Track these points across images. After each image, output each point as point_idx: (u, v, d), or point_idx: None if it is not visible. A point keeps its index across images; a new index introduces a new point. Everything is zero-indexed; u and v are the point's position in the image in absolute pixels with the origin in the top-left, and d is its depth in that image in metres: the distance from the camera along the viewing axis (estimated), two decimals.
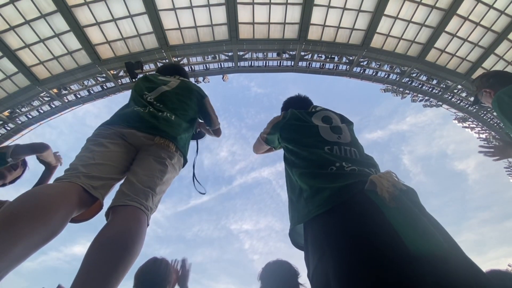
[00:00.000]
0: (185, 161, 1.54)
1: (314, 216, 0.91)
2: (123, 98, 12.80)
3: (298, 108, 1.54)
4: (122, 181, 1.24)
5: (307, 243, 0.94)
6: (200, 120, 1.89)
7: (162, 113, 1.46)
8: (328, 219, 0.87)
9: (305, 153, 1.17)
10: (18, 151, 1.71)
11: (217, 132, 1.97)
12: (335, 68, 12.85)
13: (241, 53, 11.94)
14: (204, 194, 1.83)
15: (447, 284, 0.62)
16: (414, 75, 13.02)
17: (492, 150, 1.80)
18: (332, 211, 0.87)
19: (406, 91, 13.77)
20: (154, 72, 1.98)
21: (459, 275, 0.65)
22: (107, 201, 1.15)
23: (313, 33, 11.26)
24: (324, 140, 1.21)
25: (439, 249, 0.70)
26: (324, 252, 0.81)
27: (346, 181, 0.92)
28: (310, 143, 1.21)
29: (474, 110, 13.68)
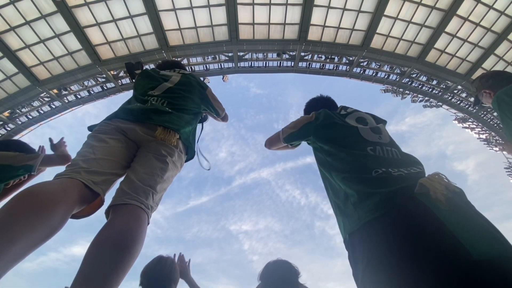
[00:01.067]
0: (193, 154, 1.54)
1: (365, 222, 0.87)
2: (123, 98, 12.80)
3: (327, 108, 1.49)
4: (122, 178, 1.23)
5: (354, 250, 0.91)
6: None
7: (164, 107, 1.46)
8: (381, 225, 0.83)
9: (343, 154, 1.12)
10: (46, 162, 1.72)
11: (224, 119, 2.01)
12: (335, 68, 12.86)
13: (241, 53, 11.94)
14: (208, 170, 1.85)
15: None
16: (414, 75, 13.03)
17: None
18: (385, 216, 0.83)
19: (406, 91, 13.78)
20: (154, 68, 1.99)
21: None
22: (108, 199, 1.15)
23: (313, 34, 11.27)
24: (365, 141, 1.17)
25: (503, 251, 0.66)
26: (372, 258, 0.78)
27: (396, 185, 0.89)
28: (350, 144, 1.16)
29: (474, 110, 13.70)
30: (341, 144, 1.19)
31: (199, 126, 1.90)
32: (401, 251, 0.73)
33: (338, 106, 1.61)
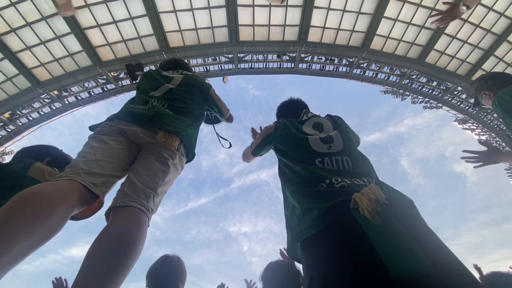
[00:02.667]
0: (193, 155, 1.54)
1: (305, 238, 0.91)
2: (123, 100, 12.81)
3: (290, 115, 1.57)
4: (123, 180, 1.23)
5: (303, 260, 0.95)
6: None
7: (165, 109, 1.46)
8: (317, 242, 0.87)
9: (297, 168, 1.15)
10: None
11: (228, 119, 2.03)
12: (335, 70, 12.87)
13: (241, 55, 11.97)
14: (229, 147, 2.03)
15: None
16: (414, 77, 13.04)
17: (477, 156, 1.76)
18: (321, 233, 0.87)
19: (406, 92, 13.79)
20: (157, 68, 1.99)
21: None
22: (108, 200, 1.14)
23: (313, 35, 11.29)
24: (314, 152, 1.18)
25: (421, 269, 0.65)
26: (314, 276, 0.82)
27: (334, 199, 0.90)
28: (301, 157, 1.19)
29: (474, 112, 13.69)
30: (294, 157, 1.23)
31: (206, 128, 1.97)
32: (332, 269, 0.77)
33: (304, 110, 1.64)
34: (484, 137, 14.59)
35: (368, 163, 1.17)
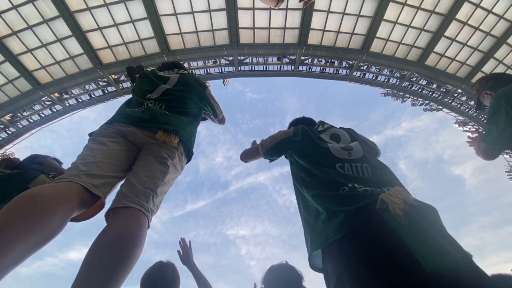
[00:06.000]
0: (191, 154, 1.53)
1: (332, 241, 0.91)
2: (123, 102, 12.83)
3: (306, 124, 1.54)
4: (123, 181, 1.22)
5: (326, 266, 0.94)
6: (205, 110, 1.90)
7: (161, 110, 1.46)
8: (345, 244, 0.87)
9: (316, 171, 1.14)
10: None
11: (221, 121, 2.02)
12: (335, 72, 12.91)
13: (242, 57, 12.01)
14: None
15: None
16: (414, 79, 13.07)
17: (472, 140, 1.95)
18: (349, 235, 0.87)
19: (406, 95, 13.81)
20: (153, 69, 1.99)
21: None
22: (109, 202, 1.13)
23: (313, 38, 11.34)
24: (334, 157, 1.19)
25: (454, 265, 0.69)
26: (341, 274, 0.81)
27: (360, 202, 0.91)
28: (321, 161, 1.19)
29: (475, 114, 13.69)
30: (314, 160, 1.21)
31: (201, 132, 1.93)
32: (363, 269, 0.77)
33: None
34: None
35: (389, 171, 1.17)
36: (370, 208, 0.87)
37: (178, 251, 1.91)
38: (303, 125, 1.50)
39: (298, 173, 1.25)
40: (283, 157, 1.56)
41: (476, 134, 2.03)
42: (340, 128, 1.52)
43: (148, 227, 1.10)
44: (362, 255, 0.80)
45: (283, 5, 1.52)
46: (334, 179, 1.06)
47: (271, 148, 1.52)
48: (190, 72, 2.07)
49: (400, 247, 0.74)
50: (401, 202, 0.82)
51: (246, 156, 1.73)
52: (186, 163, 1.54)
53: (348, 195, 0.97)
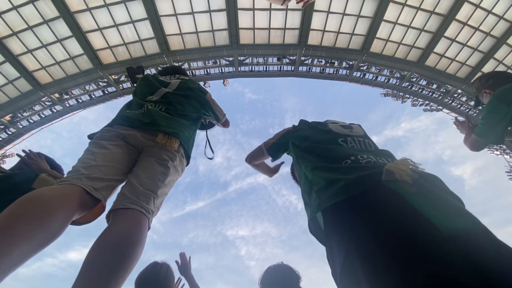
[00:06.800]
0: (188, 159, 1.53)
1: (328, 206, 0.86)
2: (123, 103, 12.84)
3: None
4: (123, 184, 1.22)
5: (329, 238, 0.88)
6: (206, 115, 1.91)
7: (162, 112, 1.46)
8: (346, 211, 0.82)
9: (319, 150, 1.13)
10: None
11: (225, 124, 2.02)
12: (335, 72, 12.91)
13: (242, 58, 12.01)
14: (211, 159, 1.94)
15: (486, 262, 0.59)
16: (414, 79, 13.07)
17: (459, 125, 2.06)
18: (349, 203, 0.82)
19: (406, 95, 13.81)
20: (155, 73, 2.00)
21: (495, 252, 0.62)
22: (110, 204, 1.13)
23: (313, 38, 11.35)
24: (336, 133, 1.21)
25: (470, 227, 0.68)
26: (349, 249, 0.75)
27: (362, 172, 0.88)
28: (323, 139, 1.20)
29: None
30: (315, 140, 1.21)
31: (202, 132, 1.94)
32: (366, 239, 0.71)
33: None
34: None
35: (389, 151, 1.17)
36: (374, 178, 0.83)
37: (177, 261, 1.97)
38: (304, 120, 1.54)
39: (301, 155, 1.22)
40: (285, 157, 1.56)
41: (464, 119, 2.10)
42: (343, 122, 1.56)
43: (149, 228, 1.10)
44: (370, 221, 0.74)
45: (283, 6, 1.52)
46: (337, 153, 1.05)
47: (274, 144, 1.51)
48: (191, 77, 2.08)
49: (411, 212, 0.71)
50: (408, 169, 0.79)
51: (251, 157, 1.70)
52: (186, 166, 1.54)
53: (350, 167, 0.94)
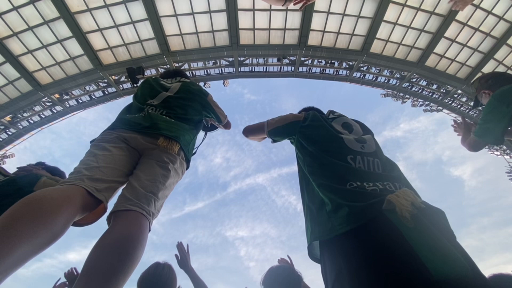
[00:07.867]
0: (188, 162, 1.53)
1: (336, 235, 0.88)
2: (123, 103, 12.83)
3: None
4: (124, 186, 1.23)
5: (324, 259, 0.91)
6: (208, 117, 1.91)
7: (162, 116, 1.47)
8: (347, 241, 0.85)
9: (325, 161, 1.11)
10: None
11: (226, 126, 2.03)
12: (335, 73, 12.92)
13: (242, 58, 12.02)
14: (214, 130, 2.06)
15: None
16: (414, 80, 13.07)
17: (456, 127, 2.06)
18: (353, 232, 0.84)
19: (406, 96, 13.81)
20: (156, 77, 2.01)
21: None
22: (111, 206, 1.14)
23: (313, 39, 11.35)
24: (347, 148, 1.16)
25: (462, 272, 0.67)
26: (341, 271, 0.78)
27: (367, 200, 0.88)
28: (332, 150, 1.15)
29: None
30: (324, 148, 1.17)
31: (202, 134, 1.95)
32: (366, 269, 0.74)
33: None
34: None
35: (397, 168, 1.15)
36: (377, 207, 0.84)
37: (176, 255, 1.92)
38: (314, 111, 1.44)
39: (304, 159, 1.20)
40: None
41: (461, 120, 2.11)
42: (351, 119, 1.47)
43: (149, 230, 1.11)
44: (366, 254, 0.78)
45: (283, 7, 1.52)
46: (342, 172, 1.03)
47: (277, 128, 1.45)
48: (192, 79, 2.09)
49: (406, 250, 0.72)
50: (408, 205, 0.79)
51: (249, 131, 1.65)
52: (186, 169, 1.54)
53: (355, 191, 0.94)
